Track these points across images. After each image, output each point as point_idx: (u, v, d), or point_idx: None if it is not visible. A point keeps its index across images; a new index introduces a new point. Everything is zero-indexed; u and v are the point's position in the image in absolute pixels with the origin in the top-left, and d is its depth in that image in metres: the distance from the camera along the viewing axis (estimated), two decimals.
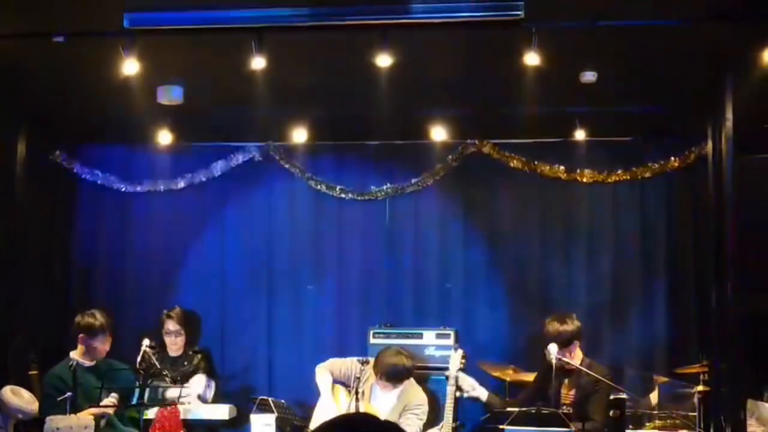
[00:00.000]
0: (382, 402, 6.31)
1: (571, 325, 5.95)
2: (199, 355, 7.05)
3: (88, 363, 6.16)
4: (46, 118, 7.15)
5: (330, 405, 6.28)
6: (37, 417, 5.86)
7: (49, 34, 5.51)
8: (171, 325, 6.89)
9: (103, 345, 6.20)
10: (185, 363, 6.95)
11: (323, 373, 6.42)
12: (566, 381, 5.97)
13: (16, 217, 7.01)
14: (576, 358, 6.04)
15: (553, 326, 5.92)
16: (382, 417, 6.00)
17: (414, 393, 6.40)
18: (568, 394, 5.99)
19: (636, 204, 7.28)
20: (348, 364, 6.42)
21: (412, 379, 6.49)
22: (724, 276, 5.96)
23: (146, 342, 6.53)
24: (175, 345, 6.93)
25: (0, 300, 6.78)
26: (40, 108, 6.92)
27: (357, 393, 5.84)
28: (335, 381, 6.41)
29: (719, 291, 6.09)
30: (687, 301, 7.06)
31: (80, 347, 6.19)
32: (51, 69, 6.13)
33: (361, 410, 5.87)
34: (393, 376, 6.21)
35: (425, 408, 6.36)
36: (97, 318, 6.19)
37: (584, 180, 7.27)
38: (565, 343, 5.90)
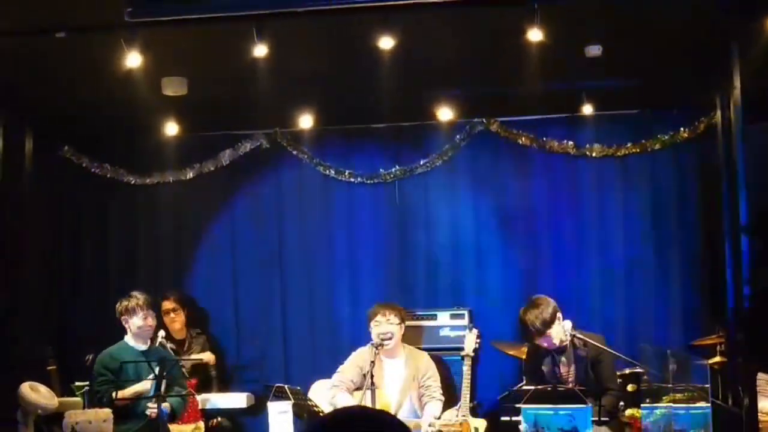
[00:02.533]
0: (392, 377, 6.30)
1: (548, 307, 5.90)
2: (203, 336, 7.17)
3: (142, 346, 6.20)
4: (53, 114, 7.15)
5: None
6: (56, 412, 5.91)
7: (51, 30, 5.51)
8: (168, 304, 7.03)
9: (145, 321, 6.21)
10: (192, 345, 7.09)
11: (345, 397, 6.29)
12: (562, 359, 5.97)
13: (26, 214, 7.04)
14: (566, 331, 6.01)
15: (532, 314, 5.89)
16: (397, 392, 6.07)
17: (418, 359, 6.41)
18: (568, 372, 5.99)
19: (646, 177, 7.24)
20: (364, 359, 6.37)
21: (411, 347, 6.49)
22: (738, 246, 5.92)
23: (161, 333, 6.59)
24: (175, 323, 7.05)
25: (10, 295, 6.80)
26: (47, 104, 6.92)
27: (372, 377, 5.83)
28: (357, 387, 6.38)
29: (733, 262, 6.06)
30: (700, 272, 7.03)
31: (128, 332, 6.24)
32: (55, 65, 6.12)
33: (377, 396, 5.88)
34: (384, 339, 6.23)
35: (436, 375, 6.38)
36: (133, 297, 6.25)
37: (593, 155, 7.24)
38: (547, 325, 5.86)
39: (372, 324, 6.35)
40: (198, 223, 7.77)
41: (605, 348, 5.88)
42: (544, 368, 6.05)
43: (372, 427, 1.55)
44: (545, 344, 5.91)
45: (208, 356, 7.05)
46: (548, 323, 5.85)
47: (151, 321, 6.26)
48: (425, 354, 6.57)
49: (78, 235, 7.82)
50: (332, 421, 1.60)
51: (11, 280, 6.85)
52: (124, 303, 6.26)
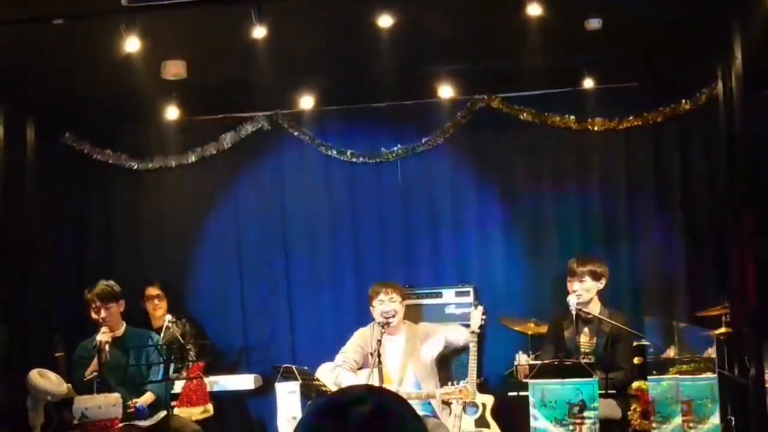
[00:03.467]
0: (392, 353, 6.32)
1: (603, 266, 6.11)
2: (180, 322, 7.10)
3: (112, 335, 6.17)
4: (54, 102, 7.15)
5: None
6: (65, 398, 5.95)
7: (49, 17, 5.50)
8: (152, 290, 7.04)
9: (97, 314, 6.18)
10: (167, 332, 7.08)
11: (349, 376, 6.28)
12: (586, 329, 6.00)
13: (29, 202, 7.06)
14: (594, 305, 6.08)
15: (582, 263, 6.03)
16: (398, 368, 6.10)
17: (416, 332, 6.44)
18: (589, 342, 6.02)
19: (649, 149, 7.21)
20: (366, 339, 6.41)
21: (409, 323, 6.51)
22: (741, 216, 5.93)
23: (168, 317, 6.62)
24: (157, 310, 7.07)
25: (14, 284, 6.83)
26: (47, 91, 6.91)
27: (379, 356, 5.86)
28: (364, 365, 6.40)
29: (736, 232, 6.06)
30: (705, 244, 7.02)
31: (101, 324, 6.20)
32: (55, 52, 6.11)
33: (383, 374, 5.91)
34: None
35: (441, 328, 6.48)
36: (91, 289, 6.24)
37: (596, 128, 7.21)
38: (596, 276, 5.98)
39: (374, 303, 6.37)
40: (201, 207, 7.77)
41: (625, 327, 5.90)
42: (566, 334, 6.09)
43: (380, 405, 1.55)
44: (568, 301, 5.95)
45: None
46: (597, 274, 6.02)
47: (105, 313, 6.18)
48: (422, 324, 6.58)
49: (81, 222, 7.82)
50: (338, 399, 1.60)
51: (18, 270, 6.87)
52: (85, 295, 6.28)
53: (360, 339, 6.44)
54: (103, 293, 6.21)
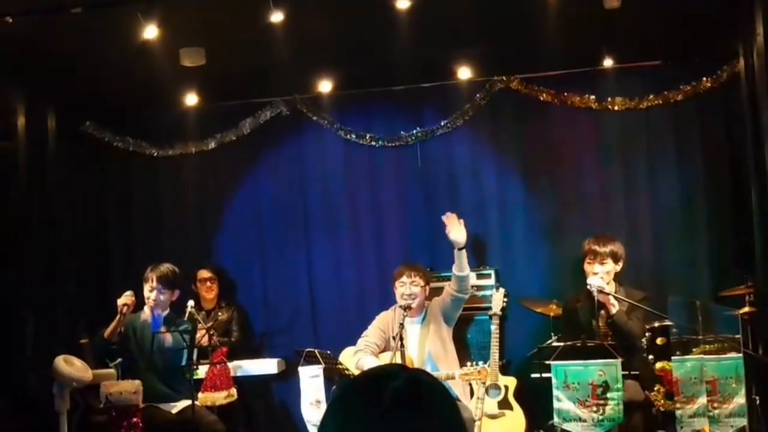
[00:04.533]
0: (411, 335, 6.31)
1: (620, 246, 6.09)
2: (233, 307, 7.25)
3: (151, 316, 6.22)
4: (74, 91, 7.18)
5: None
6: (91, 384, 6.00)
7: (67, 6, 5.52)
8: (205, 273, 7.09)
9: (150, 292, 6.20)
10: (219, 314, 7.17)
11: (371, 360, 6.28)
12: (601, 313, 5.96)
13: (51, 190, 7.11)
14: (610, 284, 6.03)
15: (603, 243, 6.00)
16: (416, 349, 6.10)
17: (430, 307, 6.44)
18: (605, 326, 5.98)
19: (670, 128, 7.16)
20: (387, 322, 6.42)
21: (428, 303, 6.50)
22: (764, 195, 5.88)
23: (191, 303, 6.64)
24: (210, 293, 7.11)
25: (40, 272, 6.89)
26: (67, 80, 6.94)
27: (401, 339, 5.86)
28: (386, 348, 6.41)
29: (760, 210, 6.01)
30: (727, 222, 6.98)
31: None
32: (74, 41, 6.13)
33: (405, 357, 5.91)
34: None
35: (443, 296, 6.47)
36: (153, 268, 6.27)
37: (616, 108, 7.17)
38: (616, 258, 5.96)
39: (397, 284, 6.37)
40: (222, 193, 7.80)
41: (639, 305, 5.87)
42: (582, 319, 6.06)
43: (413, 379, 1.56)
44: (591, 282, 5.90)
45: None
46: (617, 256, 6.02)
47: (156, 295, 6.19)
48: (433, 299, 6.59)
49: (103, 209, 7.87)
50: (371, 375, 1.61)
51: (42, 258, 6.93)
52: (147, 271, 6.30)
53: (381, 323, 6.45)
54: (164, 277, 6.24)
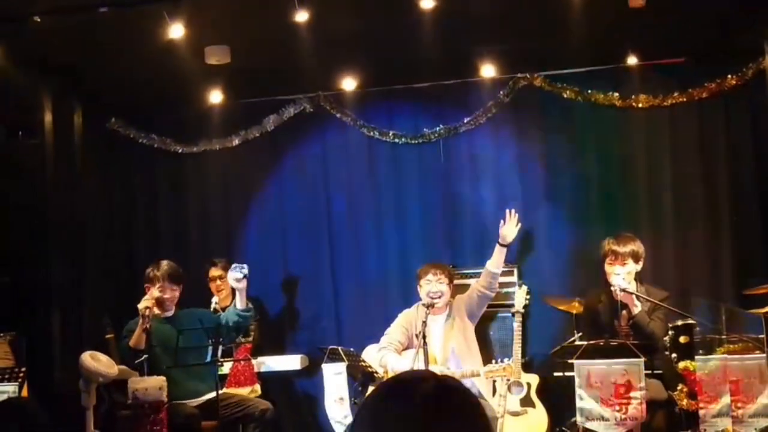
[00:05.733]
0: (435, 333, 6.32)
1: (640, 245, 5.99)
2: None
3: (163, 314, 6.23)
4: (100, 88, 7.25)
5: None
6: (116, 379, 6.06)
7: (95, 6, 5.57)
8: (215, 271, 7.08)
9: (161, 293, 6.16)
10: None
11: (394, 357, 6.29)
12: (623, 313, 5.94)
13: (78, 187, 7.18)
14: (631, 283, 6.01)
15: (623, 243, 5.96)
16: (440, 348, 6.10)
17: (455, 303, 6.46)
18: (627, 326, 5.96)
19: (694, 126, 7.13)
20: (410, 320, 6.43)
21: (452, 300, 6.50)
22: None
23: (215, 299, 6.71)
24: (222, 291, 7.09)
25: (66, 267, 6.96)
26: (94, 78, 7.02)
27: (424, 337, 5.87)
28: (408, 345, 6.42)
29: None
30: (752, 221, 6.94)
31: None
32: (101, 39, 6.20)
33: (428, 355, 5.92)
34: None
35: (469, 293, 6.49)
36: (157, 267, 6.24)
37: (640, 105, 7.14)
38: (637, 259, 5.93)
39: (422, 282, 6.39)
40: (246, 190, 7.84)
41: (662, 305, 5.84)
42: (603, 319, 6.03)
43: (443, 383, 1.61)
44: (614, 283, 5.87)
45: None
46: (638, 256, 5.98)
47: (169, 294, 6.19)
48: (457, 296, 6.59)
49: (129, 206, 7.94)
50: (402, 379, 1.66)
51: (70, 254, 7.00)
52: (148, 271, 6.25)
53: (404, 320, 6.47)
54: (172, 274, 6.24)
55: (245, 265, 5.90)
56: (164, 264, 6.26)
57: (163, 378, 5.67)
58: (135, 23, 5.89)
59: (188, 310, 6.38)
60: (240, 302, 5.98)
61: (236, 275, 5.86)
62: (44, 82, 6.85)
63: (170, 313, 6.27)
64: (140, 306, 5.97)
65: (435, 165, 7.50)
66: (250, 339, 7.11)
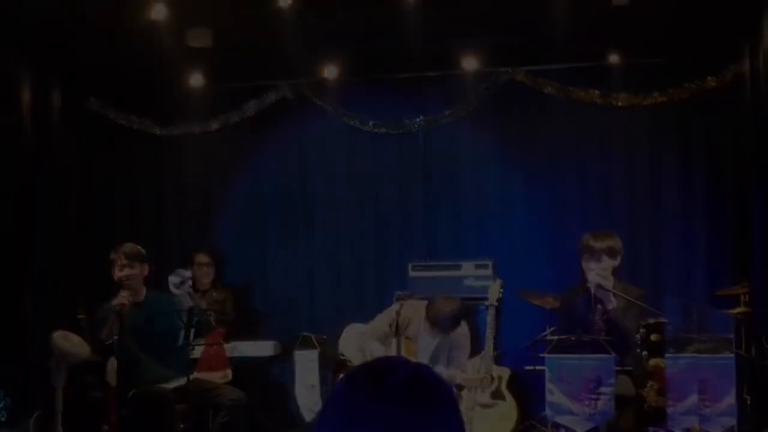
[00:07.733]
0: (425, 343, 6.31)
1: (618, 242, 5.98)
2: (228, 289, 7.25)
3: (132, 300, 6.16)
4: (79, 67, 7.19)
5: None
6: (87, 359, 6.01)
7: None
8: (203, 258, 7.08)
9: (120, 272, 5.96)
10: (214, 294, 7.19)
11: (375, 344, 6.19)
12: (598, 307, 5.96)
13: (55, 165, 7.12)
14: (608, 280, 6.02)
15: (600, 239, 5.94)
16: (426, 356, 6.08)
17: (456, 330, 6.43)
18: (602, 320, 5.98)
19: (674, 126, 7.18)
20: (405, 315, 6.36)
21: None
22: (765, 194, 5.90)
23: (188, 283, 6.65)
24: (207, 277, 7.10)
25: (39, 247, 6.90)
26: (73, 57, 6.96)
27: (398, 327, 5.84)
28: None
29: (760, 211, 6.04)
30: (727, 223, 6.99)
31: (124, 286, 6.16)
32: (81, 18, 6.15)
33: (402, 347, 5.91)
34: (441, 324, 6.13)
35: (467, 342, 6.39)
36: (116, 249, 6.09)
37: (620, 104, 7.17)
38: (613, 254, 5.91)
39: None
40: (224, 174, 7.82)
41: (636, 302, 5.86)
42: (579, 313, 6.04)
43: (416, 371, 1.59)
44: (589, 279, 5.87)
45: None
46: (614, 252, 5.87)
47: (128, 271, 5.97)
48: (463, 326, 6.46)
49: (106, 186, 7.88)
50: (375, 366, 1.64)
51: (43, 233, 6.95)
52: (111, 255, 6.10)
53: (393, 311, 6.41)
54: (131, 252, 6.13)
55: (187, 272, 5.86)
56: (124, 245, 6.16)
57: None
58: (116, 2, 5.84)
59: (158, 293, 6.32)
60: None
61: (174, 280, 5.81)
62: (23, 61, 6.78)
63: (140, 298, 6.21)
64: (115, 302, 5.91)
65: (415, 156, 7.50)
66: (229, 320, 7.11)
